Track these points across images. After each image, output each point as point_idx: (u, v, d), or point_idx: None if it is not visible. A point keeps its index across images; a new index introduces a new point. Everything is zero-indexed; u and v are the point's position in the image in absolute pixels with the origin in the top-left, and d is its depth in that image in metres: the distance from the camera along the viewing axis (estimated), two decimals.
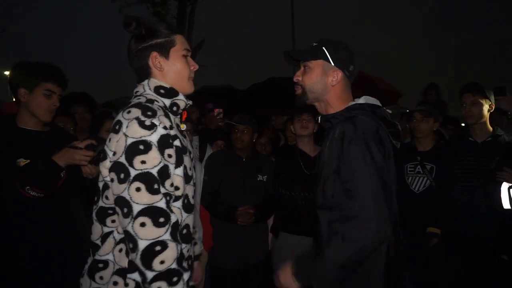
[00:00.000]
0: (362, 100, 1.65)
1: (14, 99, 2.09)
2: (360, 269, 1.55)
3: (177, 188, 1.39)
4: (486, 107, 2.79)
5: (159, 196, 1.29)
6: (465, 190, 2.78)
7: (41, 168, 1.88)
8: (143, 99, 1.42)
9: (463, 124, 4.21)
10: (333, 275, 1.45)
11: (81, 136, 3.12)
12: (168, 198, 1.32)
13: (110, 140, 1.34)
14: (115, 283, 1.34)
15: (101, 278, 1.37)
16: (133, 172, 1.27)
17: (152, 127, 1.30)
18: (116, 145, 1.31)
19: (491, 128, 2.83)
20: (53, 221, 2.01)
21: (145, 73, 1.48)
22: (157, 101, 1.44)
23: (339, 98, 1.66)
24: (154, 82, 1.46)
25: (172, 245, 1.27)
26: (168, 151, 1.34)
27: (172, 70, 1.48)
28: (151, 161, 1.28)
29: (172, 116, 1.45)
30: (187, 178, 1.44)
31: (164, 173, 1.32)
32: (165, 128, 1.34)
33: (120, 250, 1.37)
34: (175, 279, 1.26)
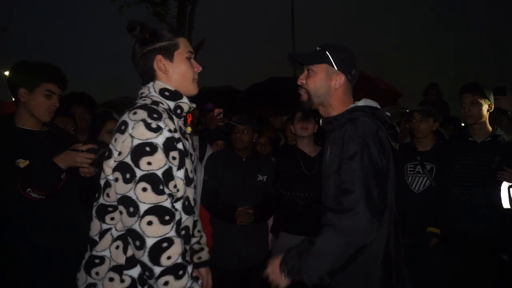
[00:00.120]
0: (362, 102, 1.70)
1: (13, 99, 2.08)
2: (360, 269, 1.55)
3: (178, 190, 1.42)
4: (485, 107, 2.79)
5: (165, 196, 1.33)
6: (465, 190, 2.79)
7: (42, 170, 1.88)
8: (148, 101, 1.44)
9: (463, 124, 4.21)
10: (325, 269, 1.45)
11: (81, 136, 3.12)
12: (171, 198, 1.37)
13: (115, 140, 1.36)
14: (111, 279, 1.38)
15: (97, 273, 1.40)
16: (139, 173, 1.31)
17: (158, 129, 1.34)
18: (121, 145, 1.33)
19: (490, 128, 2.83)
20: (53, 221, 2.01)
21: (150, 76, 1.51)
22: (162, 103, 1.47)
23: (341, 101, 1.70)
24: (159, 84, 1.49)
25: (177, 241, 1.32)
26: (173, 153, 1.38)
27: (177, 72, 1.51)
28: (157, 163, 1.32)
29: (175, 119, 1.48)
30: (188, 181, 1.47)
31: (169, 174, 1.36)
32: (170, 131, 1.37)
33: (117, 247, 1.40)
34: (180, 272, 1.32)
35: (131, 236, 1.32)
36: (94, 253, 1.43)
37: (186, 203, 1.48)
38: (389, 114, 1.72)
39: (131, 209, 1.31)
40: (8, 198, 1.90)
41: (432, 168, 3.04)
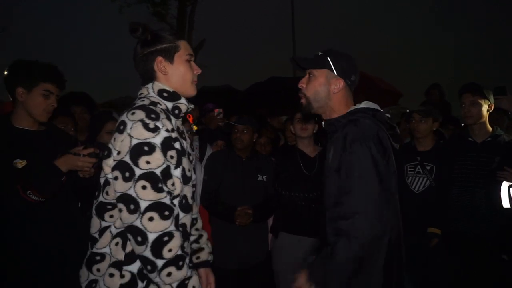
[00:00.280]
0: (363, 104, 1.74)
1: (11, 98, 2.07)
2: (364, 268, 1.57)
3: (175, 188, 1.46)
4: (485, 107, 2.79)
5: (164, 193, 1.38)
6: (465, 190, 2.78)
7: (42, 170, 1.88)
8: (147, 101, 1.48)
9: (463, 124, 4.21)
10: (345, 275, 1.52)
11: (80, 136, 3.12)
12: (170, 195, 1.41)
13: (114, 139, 1.40)
14: (111, 275, 1.43)
15: (98, 270, 1.45)
16: (138, 172, 1.35)
17: (156, 129, 1.38)
18: (120, 145, 1.37)
19: (490, 128, 2.83)
20: (53, 221, 2.01)
21: (150, 77, 1.55)
22: (160, 103, 1.51)
23: (341, 104, 1.75)
24: (158, 85, 1.54)
25: (177, 234, 1.39)
26: (170, 152, 1.42)
27: (176, 74, 1.55)
28: (155, 162, 1.37)
29: (173, 119, 1.52)
30: (185, 179, 1.51)
31: (167, 173, 1.40)
32: (167, 130, 1.41)
33: (117, 244, 1.44)
34: (181, 263, 1.38)
35: (132, 233, 1.36)
36: (94, 250, 1.47)
37: (183, 201, 1.52)
38: (389, 116, 1.76)
39: (132, 207, 1.35)
40: (7, 198, 1.90)
41: (432, 168, 3.04)
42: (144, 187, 1.34)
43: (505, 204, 2.61)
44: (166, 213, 1.37)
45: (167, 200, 1.38)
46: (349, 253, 1.49)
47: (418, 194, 3.03)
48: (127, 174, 1.35)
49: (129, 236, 1.38)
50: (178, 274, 1.37)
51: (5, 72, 2.02)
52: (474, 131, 2.85)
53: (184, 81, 1.57)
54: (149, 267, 1.36)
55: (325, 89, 1.73)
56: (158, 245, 1.34)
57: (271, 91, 6.53)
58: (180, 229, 1.50)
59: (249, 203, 2.95)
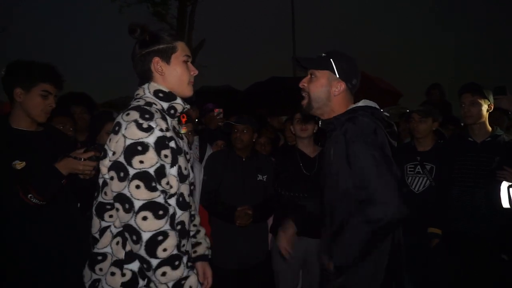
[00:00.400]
0: (361, 103, 1.75)
1: (9, 99, 2.06)
2: (369, 272, 1.60)
3: (171, 187, 1.48)
4: (485, 107, 2.79)
5: (157, 192, 1.39)
6: (465, 190, 2.78)
7: (43, 175, 1.89)
8: (142, 102, 1.50)
9: (463, 124, 4.21)
10: (354, 254, 1.57)
11: (80, 136, 3.12)
12: (164, 194, 1.43)
13: (110, 140, 1.43)
14: (113, 274, 1.45)
15: (100, 269, 1.47)
16: (132, 171, 1.37)
17: (149, 129, 1.39)
18: (115, 146, 1.40)
19: (490, 128, 2.83)
20: (53, 221, 2.01)
21: (147, 77, 1.57)
22: (155, 104, 1.53)
23: (341, 106, 1.75)
24: (153, 86, 1.55)
25: (172, 234, 1.39)
26: (164, 151, 1.43)
27: (173, 74, 1.57)
28: (149, 161, 1.39)
29: (169, 119, 1.54)
30: (181, 177, 1.52)
31: (161, 172, 1.42)
32: (161, 130, 1.42)
33: (117, 243, 1.46)
34: (177, 262, 1.39)
35: (128, 232, 1.38)
36: (96, 250, 1.50)
37: (181, 199, 1.53)
38: (387, 114, 1.76)
39: (127, 206, 1.37)
40: (7, 199, 1.90)
41: (432, 168, 3.04)
42: (137, 187, 1.36)
43: (505, 204, 2.61)
44: (160, 212, 1.38)
45: (161, 199, 1.39)
46: (363, 235, 1.54)
47: (418, 194, 3.03)
48: (121, 174, 1.38)
49: (126, 235, 1.40)
50: (173, 274, 1.37)
51: (2, 72, 2.01)
52: (474, 131, 2.85)
53: (181, 82, 1.59)
54: (145, 266, 1.38)
55: (326, 91, 1.73)
56: (152, 245, 1.35)
57: (271, 91, 6.53)
58: (179, 227, 1.52)
59: (249, 203, 2.95)
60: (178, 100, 1.58)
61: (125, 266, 1.44)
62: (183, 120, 1.67)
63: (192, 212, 1.79)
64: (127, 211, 1.37)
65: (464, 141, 2.89)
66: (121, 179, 1.38)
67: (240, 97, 7.15)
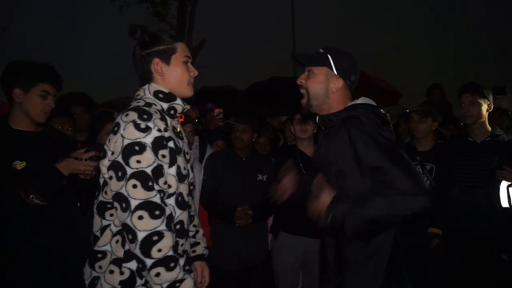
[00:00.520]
0: (360, 100, 1.72)
1: (8, 99, 2.06)
2: (369, 271, 1.59)
3: (169, 186, 1.49)
4: (484, 107, 2.79)
5: (154, 192, 1.40)
6: (465, 190, 2.78)
7: (44, 175, 1.89)
8: (141, 103, 1.52)
9: (463, 124, 4.21)
10: (366, 225, 1.49)
11: (79, 136, 3.12)
12: (162, 194, 1.44)
13: (109, 140, 1.44)
14: (111, 272, 1.46)
15: (100, 267, 1.49)
16: (129, 171, 1.38)
17: (146, 129, 1.41)
18: (114, 145, 1.41)
19: (490, 128, 2.83)
20: (53, 222, 2.01)
21: (147, 78, 1.58)
22: (155, 104, 1.54)
23: (339, 103, 1.73)
24: (153, 86, 1.57)
25: (168, 235, 1.40)
26: (162, 151, 1.44)
27: (172, 75, 1.58)
28: (146, 161, 1.40)
29: (168, 119, 1.56)
30: (180, 177, 1.53)
31: (158, 172, 1.43)
32: (159, 130, 1.44)
33: (117, 242, 1.48)
34: (172, 264, 1.39)
35: (125, 230, 1.40)
36: (96, 248, 1.51)
37: (179, 198, 1.54)
38: (383, 111, 1.74)
39: (124, 205, 1.39)
40: (7, 199, 1.90)
41: (432, 168, 3.04)
42: (134, 186, 1.37)
43: (504, 203, 2.61)
44: (157, 212, 1.39)
45: (157, 199, 1.40)
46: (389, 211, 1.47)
47: None
48: (119, 174, 1.39)
49: (124, 234, 1.42)
50: (167, 276, 1.37)
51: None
52: (473, 131, 2.85)
53: (181, 83, 1.60)
54: (140, 265, 1.40)
55: (324, 88, 1.71)
56: (147, 244, 1.36)
57: (271, 91, 6.53)
58: (178, 226, 1.52)
59: (249, 203, 2.95)
60: (178, 101, 1.59)
61: (124, 264, 1.45)
62: (180, 120, 1.67)
63: (192, 213, 1.79)
64: (124, 210, 1.38)
65: (464, 141, 2.89)
66: (119, 179, 1.39)
67: (240, 97, 7.14)
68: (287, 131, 3.72)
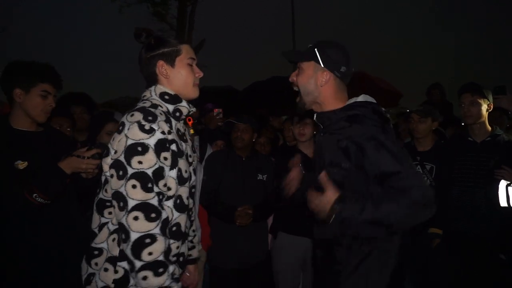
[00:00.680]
0: (361, 98, 1.69)
1: (8, 100, 2.06)
2: (374, 275, 1.59)
3: (169, 189, 1.49)
4: (484, 107, 2.79)
5: (152, 194, 1.41)
6: (465, 190, 2.78)
7: (47, 175, 1.89)
8: (147, 104, 1.53)
9: (463, 124, 4.21)
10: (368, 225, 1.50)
11: (79, 136, 3.12)
12: (160, 197, 1.44)
13: (113, 139, 1.46)
14: (106, 270, 1.48)
15: (96, 264, 1.50)
16: (130, 171, 1.39)
17: (150, 131, 1.42)
18: (117, 144, 1.43)
19: (490, 128, 2.83)
20: (53, 222, 2.01)
21: (153, 80, 1.60)
22: (161, 106, 1.55)
23: (332, 98, 1.69)
24: (160, 88, 1.58)
25: (160, 239, 1.40)
26: (164, 154, 1.45)
27: (177, 77, 1.59)
28: (147, 162, 1.41)
29: (174, 121, 1.56)
30: (181, 180, 1.54)
31: (159, 174, 1.43)
32: (163, 132, 1.45)
33: (113, 240, 1.49)
34: (160, 270, 1.39)
35: (120, 229, 1.41)
36: (93, 245, 1.52)
37: (178, 201, 1.55)
38: (383, 109, 1.72)
39: (121, 204, 1.40)
40: (8, 199, 1.90)
41: (432, 168, 3.04)
42: (134, 186, 1.38)
43: (502, 202, 2.61)
44: (153, 215, 1.39)
45: (155, 202, 1.41)
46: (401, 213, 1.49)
47: None
48: (120, 173, 1.40)
49: (119, 232, 1.43)
50: (154, 281, 1.37)
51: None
52: (473, 130, 2.85)
53: (186, 84, 1.61)
54: (129, 266, 1.40)
55: (313, 82, 1.67)
56: (138, 246, 1.36)
57: (272, 91, 6.53)
58: (174, 228, 1.53)
59: (249, 202, 2.95)
60: (183, 103, 1.60)
61: (119, 263, 1.47)
62: (189, 122, 1.68)
63: (192, 218, 1.79)
64: (121, 209, 1.39)
65: (464, 141, 2.89)
66: (119, 178, 1.40)
67: (240, 97, 7.14)
68: (286, 131, 3.72)
